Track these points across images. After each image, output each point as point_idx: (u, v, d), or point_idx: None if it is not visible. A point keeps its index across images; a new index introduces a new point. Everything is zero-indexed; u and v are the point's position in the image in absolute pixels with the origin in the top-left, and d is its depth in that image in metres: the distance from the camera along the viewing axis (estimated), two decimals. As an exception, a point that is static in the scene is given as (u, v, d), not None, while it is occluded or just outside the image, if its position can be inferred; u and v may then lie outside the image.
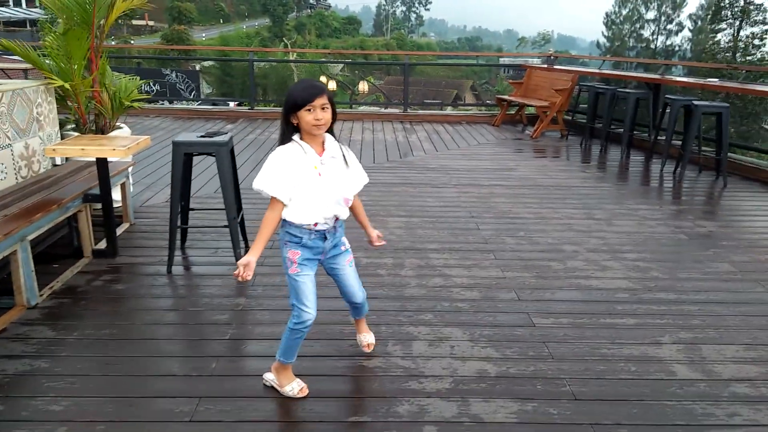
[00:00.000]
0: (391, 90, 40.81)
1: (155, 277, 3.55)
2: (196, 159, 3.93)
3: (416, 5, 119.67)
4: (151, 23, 73.84)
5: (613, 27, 45.25)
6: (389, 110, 10.92)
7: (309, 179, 2.18)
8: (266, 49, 34.80)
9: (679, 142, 6.90)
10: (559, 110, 8.70)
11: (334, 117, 2.20)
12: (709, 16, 36.50)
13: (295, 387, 2.40)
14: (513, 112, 9.92)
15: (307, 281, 2.28)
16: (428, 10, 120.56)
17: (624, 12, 45.18)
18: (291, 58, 29.30)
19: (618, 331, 3.04)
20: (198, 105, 10.78)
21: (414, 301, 3.32)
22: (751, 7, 26.89)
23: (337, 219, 2.31)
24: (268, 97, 29.99)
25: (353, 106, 17.52)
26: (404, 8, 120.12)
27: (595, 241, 4.36)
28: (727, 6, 27.35)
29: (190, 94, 10.33)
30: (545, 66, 10.13)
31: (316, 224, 2.25)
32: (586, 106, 8.94)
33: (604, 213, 5.06)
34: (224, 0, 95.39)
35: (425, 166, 6.80)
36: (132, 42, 51.57)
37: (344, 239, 2.44)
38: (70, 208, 3.57)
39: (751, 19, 26.96)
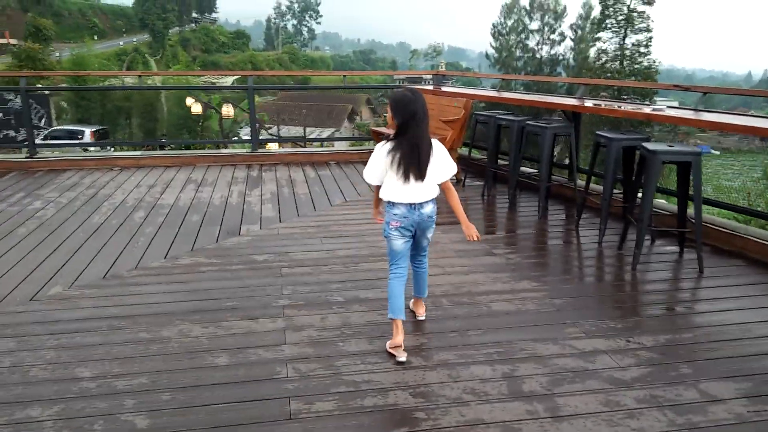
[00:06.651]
0: (284, 108, 37.47)
1: None
2: None
3: (307, 19, 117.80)
4: (13, 41, 65.85)
5: (500, 38, 45.53)
6: (234, 150, 8.32)
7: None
8: (114, 73, 30.49)
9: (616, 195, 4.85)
10: (451, 147, 6.48)
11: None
12: (589, 26, 36.96)
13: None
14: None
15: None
16: (319, 23, 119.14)
17: (509, 23, 45.57)
18: (148, 80, 25.59)
19: None
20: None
21: None
22: (635, 14, 26.76)
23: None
24: (133, 126, 26.12)
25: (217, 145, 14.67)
26: (295, 22, 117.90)
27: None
28: (612, 14, 27.11)
29: (40, 121, 8.39)
30: (430, 88, 7.87)
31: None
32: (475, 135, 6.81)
33: (539, 374, 2.72)
34: (98, 15, 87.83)
35: (249, 257, 4.26)
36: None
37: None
38: None
39: (635, 27, 26.84)
